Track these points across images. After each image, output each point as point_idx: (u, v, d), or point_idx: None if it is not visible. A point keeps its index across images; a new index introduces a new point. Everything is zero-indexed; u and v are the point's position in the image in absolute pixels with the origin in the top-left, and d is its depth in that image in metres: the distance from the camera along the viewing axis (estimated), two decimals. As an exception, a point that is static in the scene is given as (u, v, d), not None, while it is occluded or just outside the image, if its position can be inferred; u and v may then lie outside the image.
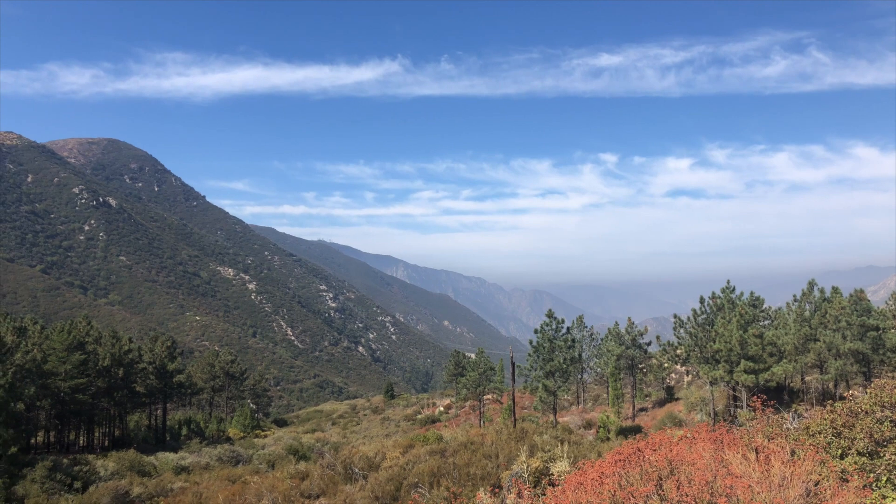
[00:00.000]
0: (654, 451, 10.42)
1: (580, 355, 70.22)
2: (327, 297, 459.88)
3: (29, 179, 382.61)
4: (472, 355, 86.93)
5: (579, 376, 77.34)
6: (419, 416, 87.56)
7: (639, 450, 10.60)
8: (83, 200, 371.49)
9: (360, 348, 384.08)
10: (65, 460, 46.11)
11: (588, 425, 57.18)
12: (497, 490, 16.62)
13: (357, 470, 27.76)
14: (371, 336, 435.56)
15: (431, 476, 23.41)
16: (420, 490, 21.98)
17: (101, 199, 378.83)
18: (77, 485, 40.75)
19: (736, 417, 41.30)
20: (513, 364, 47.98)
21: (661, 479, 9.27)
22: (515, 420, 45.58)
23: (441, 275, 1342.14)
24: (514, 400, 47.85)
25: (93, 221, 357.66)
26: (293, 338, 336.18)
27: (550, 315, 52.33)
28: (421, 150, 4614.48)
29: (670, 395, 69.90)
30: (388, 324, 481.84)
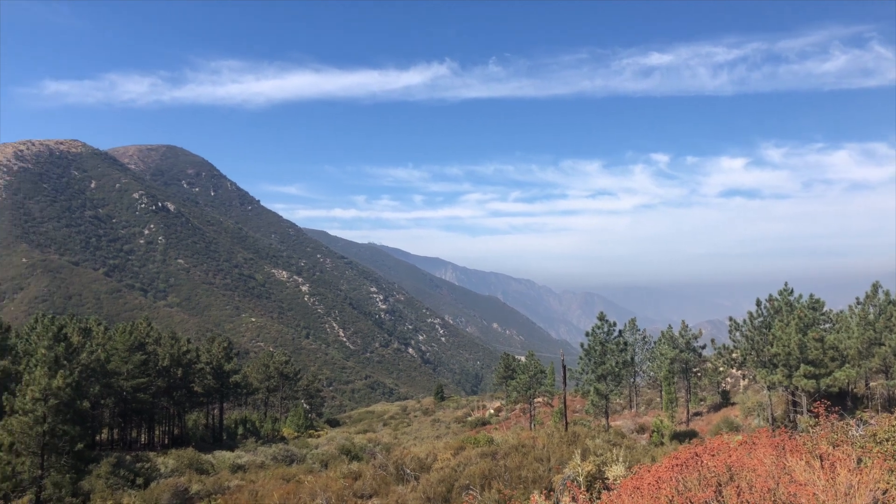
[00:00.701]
0: (713, 456, 10.20)
1: (632, 359, 69.16)
2: (378, 299, 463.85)
3: (92, 185, 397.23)
4: (522, 358, 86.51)
5: (632, 380, 76.20)
6: (469, 419, 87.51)
7: (696, 455, 10.40)
8: (143, 205, 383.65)
9: (410, 350, 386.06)
10: (127, 457, 47.64)
11: (641, 429, 56.26)
12: (549, 493, 16.51)
13: (409, 471, 27.92)
14: (421, 338, 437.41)
15: (483, 478, 23.39)
16: (471, 492, 21.99)
17: (160, 204, 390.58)
18: (139, 481, 42.04)
19: (796, 423, 40.09)
20: (564, 367, 47.58)
21: (720, 486, 9.08)
22: (567, 423, 45.17)
23: (490, 277, 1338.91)
24: (565, 403, 47.43)
25: (152, 226, 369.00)
26: (345, 339, 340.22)
27: (602, 318, 51.72)
28: (469, 152, 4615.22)
29: (726, 400, 68.24)
30: (437, 326, 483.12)
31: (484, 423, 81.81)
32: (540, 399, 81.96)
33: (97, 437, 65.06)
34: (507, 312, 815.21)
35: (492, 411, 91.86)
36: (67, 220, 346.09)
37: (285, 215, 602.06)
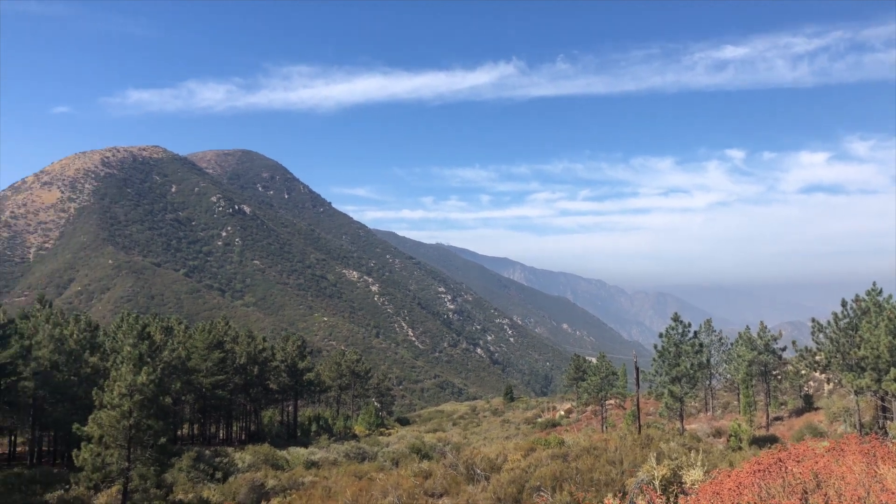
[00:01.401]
0: (798, 462, 9.79)
1: (708, 360, 67.16)
2: (446, 299, 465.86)
3: (173, 190, 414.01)
4: (593, 359, 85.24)
5: (707, 382, 74.00)
6: (539, 420, 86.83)
7: (780, 460, 9.99)
8: (220, 208, 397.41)
9: (479, 350, 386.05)
10: (207, 452, 49.35)
11: (717, 434, 54.56)
12: (623, 497, 16.22)
13: (479, 471, 27.91)
14: (489, 338, 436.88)
15: (553, 480, 23.16)
16: (542, 493, 21.81)
17: (236, 207, 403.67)
18: (218, 475, 43.49)
19: (886, 430, 38.13)
20: (637, 369, 46.64)
21: (806, 493, 8.69)
22: (640, 426, 44.25)
23: (559, 277, 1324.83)
24: (638, 405, 46.47)
25: (229, 228, 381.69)
26: (414, 338, 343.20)
27: (676, 318, 50.44)
28: (537, 151, 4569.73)
29: (808, 404, 65.42)
30: (505, 326, 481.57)
31: (554, 424, 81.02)
32: (612, 401, 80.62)
33: (179, 432, 67.68)
34: (577, 313, 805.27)
35: (562, 413, 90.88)
36: (150, 224, 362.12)
37: (355, 217, 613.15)
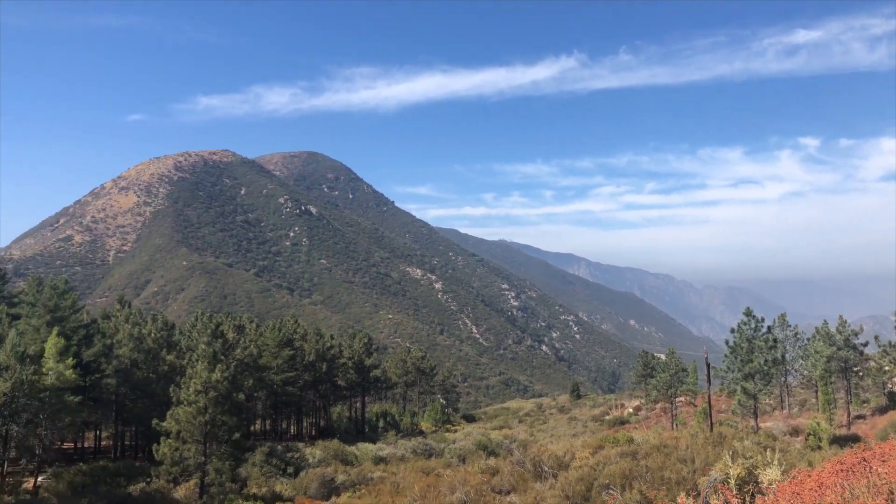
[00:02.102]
0: (883, 462, 9.35)
1: (783, 356, 64.81)
2: (510, 296, 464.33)
3: (242, 192, 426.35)
4: (662, 356, 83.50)
5: (782, 379, 71.41)
6: (607, 417, 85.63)
7: (864, 460, 9.57)
8: (288, 209, 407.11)
9: (544, 347, 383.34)
10: (279, 447, 50.63)
11: (794, 432, 52.64)
12: (696, 496, 15.82)
13: (546, 468, 27.72)
14: (554, 335, 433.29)
15: (623, 478, 22.80)
16: (611, 491, 21.51)
17: (303, 208, 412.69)
18: (290, 470, 44.58)
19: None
20: (707, 365, 45.45)
21: (892, 494, 8.30)
22: (712, 424, 43.14)
23: (625, 272, 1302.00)
24: (709, 403, 45.27)
25: (297, 228, 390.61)
26: (478, 336, 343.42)
27: (748, 313, 48.89)
28: (600, 144, 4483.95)
29: (893, 402, 62.40)
30: (571, 323, 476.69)
31: (622, 422, 79.77)
32: (682, 398, 78.82)
33: (252, 428, 69.65)
34: (645, 308, 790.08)
35: (630, 410, 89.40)
36: (221, 225, 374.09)
37: (418, 215, 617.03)
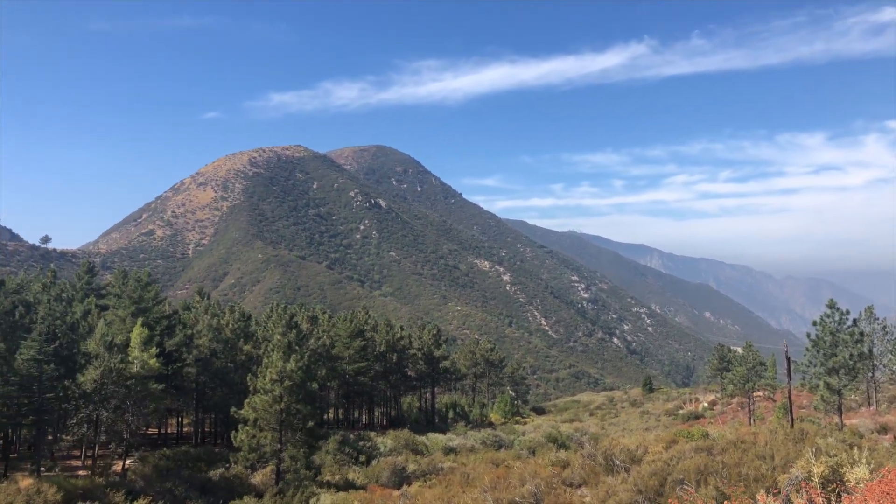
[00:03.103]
0: (982, 463, 8.79)
1: (870, 350, 61.76)
2: (579, 288, 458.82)
3: (314, 186, 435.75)
4: (739, 349, 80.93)
5: (870, 374, 68.10)
6: (681, 412, 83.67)
7: (960, 460, 9.02)
8: (358, 203, 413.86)
9: (615, 340, 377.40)
10: (351, 435, 51.67)
11: (883, 429, 50.14)
12: (776, 493, 15.29)
13: (618, 462, 27.32)
14: (626, 327, 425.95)
15: (698, 473, 22.24)
16: (686, 487, 21.02)
17: (372, 201, 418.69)
18: (362, 458, 45.43)
19: None
20: (788, 359, 43.76)
21: None
22: (792, 420, 41.57)
23: (700, 263, 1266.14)
24: (790, 398, 43.60)
25: (367, 221, 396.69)
26: (547, 328, 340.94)
27: (832, 305, 46.74)
28: (672, 132, 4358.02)
29: None
30: (643, 315, 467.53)
31: (697, 416, 77.80)
32: (759, 393, 76.21)
33: (325, 417, 71.27)
34: (721, 301, 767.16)
35: (705, 405, 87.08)
36: (295, 219, 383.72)
37: (485, 207, 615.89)
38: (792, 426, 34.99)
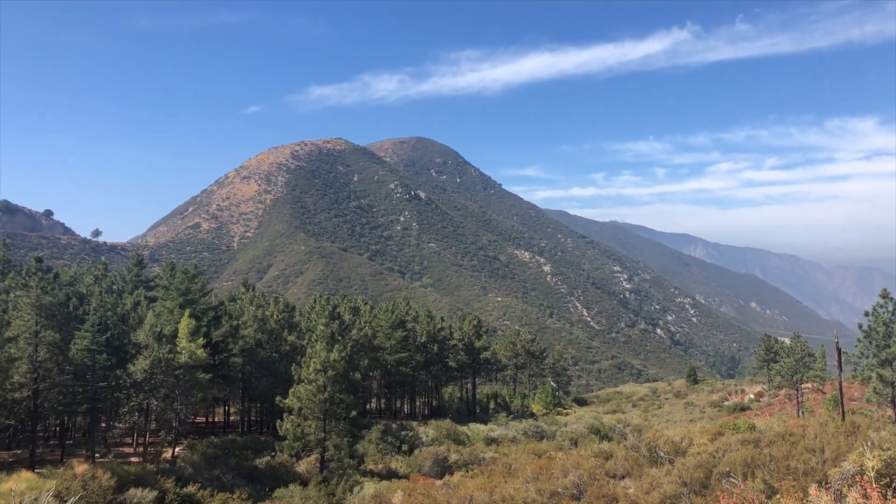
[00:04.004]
0: None
1: (926, 342, 59.80)
2: (622, 279, 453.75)
3: (355, 179, 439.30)
4: (786, 340, 79.21)
5: (925, 366, 65.99)
6: (726, 403, 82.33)
7: None
8: (398, 195, 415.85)
9: (658, 330, 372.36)
10: (393, 425, 52.12)
11: (940, 424, 48.59)
12: (827, 487, 14.95)
13: (662, 454, 27.03)
14: (669, 318, 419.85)
15: (744, 466, 21.88)
16: (732, 479, 20.69)
17: (412, 193, 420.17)
18: (404, 448, 45.82)
19: None
20: (838, 350, 42.65)
21: None
22: (843, 412, 40.53)
23: (746, 253, 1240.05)
24: (841, 390, 42.51)
25: (406, 213, 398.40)
26: (589, 319, 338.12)
27: (885, 295, 45.30)
28: (716, 119, 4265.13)
29: None
30: (687, 305, 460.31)
31: (743, 408, 76.46)
32: (808, 385, 74.51)
33: (367, 406, 72.07)
34: (767, 291, 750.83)
35: (751, 396, 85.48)
36: (336, 211, 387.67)
37: (525, 197, 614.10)
38: (843, 419, 34.10)
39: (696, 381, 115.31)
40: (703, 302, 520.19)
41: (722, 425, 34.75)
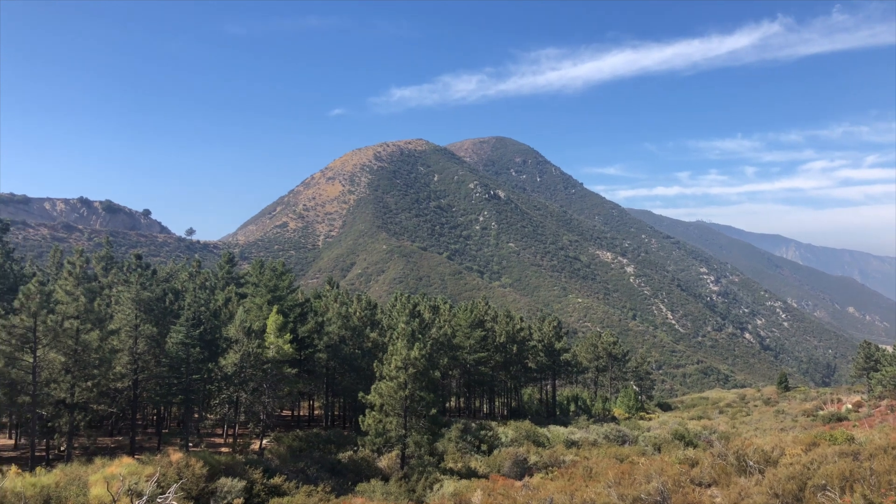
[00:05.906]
0: None
1: None
2: (708, 281, 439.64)
3: (435, 179, 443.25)
4: (889, 347, 74.81)
5: None
6: (820, 413, 78.40)
7: None
8: (477, 194, 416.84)
9: (747, 335, 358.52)
10: (472, 424, 52.26)
11: None
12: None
13: (751, 463, 26.06)
14: (759, 322, 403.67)
15: (842, 479, 20.82)
16: (829, 493, 19.75)
17: (491, 192, 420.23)
18: (483, 447, 45.90)
19: None
20: (947, 360, 39.99)
21: None
22: (953, 427, 37.96)
23: (843, 255, 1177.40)
24: (949, 403, 39.87)
25: (486, 212, 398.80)
26: (674, 322, 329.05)
27: None
28: (809, 115, 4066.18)
29: None
30: (778, 309, 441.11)
31: (839, 418, 72.60)
32: (913, 396, 70.16)
33: (446, 405, 72.54)
34: (867, 295, 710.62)
35: (849, 406, 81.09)
36: (416, 211, 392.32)
37: (607, 196, 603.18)
38: (952, 433, 31.90)
39: (787, 389, 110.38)
40: (795, 306, 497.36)
41: (817, 436, 33.17)
